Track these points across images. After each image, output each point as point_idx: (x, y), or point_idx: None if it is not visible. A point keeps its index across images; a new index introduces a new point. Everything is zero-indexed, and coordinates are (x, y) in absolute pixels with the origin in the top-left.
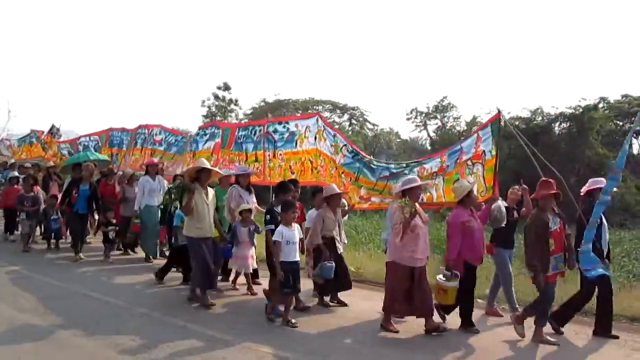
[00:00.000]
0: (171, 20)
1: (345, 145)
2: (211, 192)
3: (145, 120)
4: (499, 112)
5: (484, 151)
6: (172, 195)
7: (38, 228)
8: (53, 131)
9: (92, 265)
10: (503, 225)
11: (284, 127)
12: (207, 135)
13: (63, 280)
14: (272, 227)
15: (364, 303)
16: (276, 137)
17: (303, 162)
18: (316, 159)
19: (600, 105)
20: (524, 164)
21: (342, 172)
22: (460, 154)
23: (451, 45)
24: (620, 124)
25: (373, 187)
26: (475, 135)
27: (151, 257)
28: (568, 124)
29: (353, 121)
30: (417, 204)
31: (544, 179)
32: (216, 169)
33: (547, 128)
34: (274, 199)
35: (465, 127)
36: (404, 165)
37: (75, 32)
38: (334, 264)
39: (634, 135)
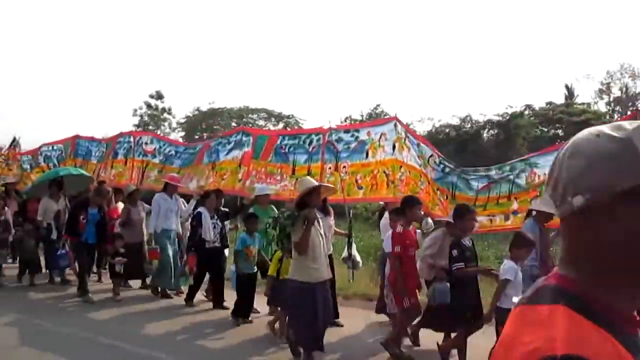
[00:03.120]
0: (99, 26)
1: (432, 156)
2: (324, 218)
3: (68, 131)
4: None
5: None
6: (287, 229)
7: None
8: (15, 144)
9: (103, 307)
10: None
11: (352, 135)
12: (232, 144)
13: (81, 329)
14: (462, 265)
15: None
16: (340, 147)
17: (375, 175)
18: (394, 172)
19: (526, 112)
20: None
21: (438, 189)
22: None
23: (384, 53)
24: (545, 130)
25: (474, 203)
26: None
27: (167, 291)
28: (496, 130)
29: (288, 129)
30: None
31: None
32: (327, 184)
33: (476, 135)
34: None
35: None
36: (507, 168)
37: None
38: (448, 285)
39: (559, 140)
